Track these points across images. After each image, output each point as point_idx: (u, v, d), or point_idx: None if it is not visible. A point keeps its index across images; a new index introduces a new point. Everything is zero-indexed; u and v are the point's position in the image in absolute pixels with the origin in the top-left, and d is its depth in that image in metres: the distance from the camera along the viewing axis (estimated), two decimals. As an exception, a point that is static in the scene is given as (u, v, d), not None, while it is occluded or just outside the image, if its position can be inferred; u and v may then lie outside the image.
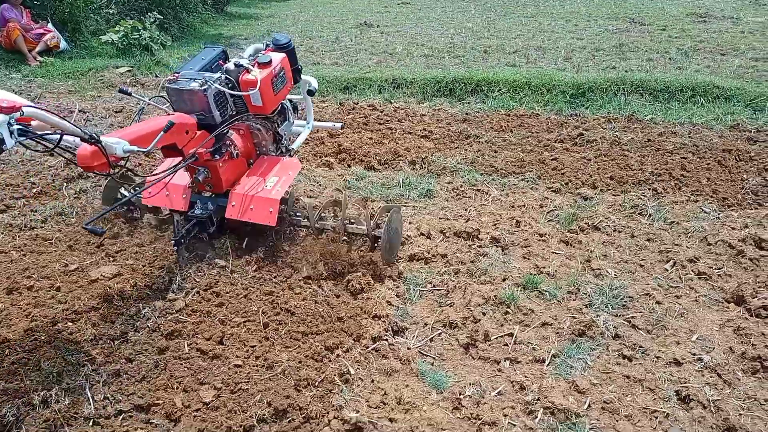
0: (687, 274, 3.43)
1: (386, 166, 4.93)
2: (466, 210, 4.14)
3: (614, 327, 2.95)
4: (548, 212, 4.12)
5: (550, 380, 2.62)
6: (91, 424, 2.33)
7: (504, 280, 3.32)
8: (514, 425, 2.39)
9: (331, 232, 3.45)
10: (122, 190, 3.75)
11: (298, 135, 4.05)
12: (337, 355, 2.74)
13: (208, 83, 3.07)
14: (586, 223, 3.93)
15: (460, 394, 2.54)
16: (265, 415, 2.37)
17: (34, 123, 2.26)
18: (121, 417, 2.37)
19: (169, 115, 2.97)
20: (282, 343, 2.79)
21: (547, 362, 2.75)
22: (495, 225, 3.92)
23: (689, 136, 5.43)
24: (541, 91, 6.49)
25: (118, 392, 2.48)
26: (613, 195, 4.40)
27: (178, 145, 2.96)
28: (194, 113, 3.12)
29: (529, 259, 3.55)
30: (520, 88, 6.58)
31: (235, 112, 3.37)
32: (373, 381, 2.63)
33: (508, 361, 2.77)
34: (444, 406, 2.49)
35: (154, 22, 9.10)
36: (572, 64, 7.99)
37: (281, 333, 2.86)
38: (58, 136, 2.28)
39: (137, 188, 3.64)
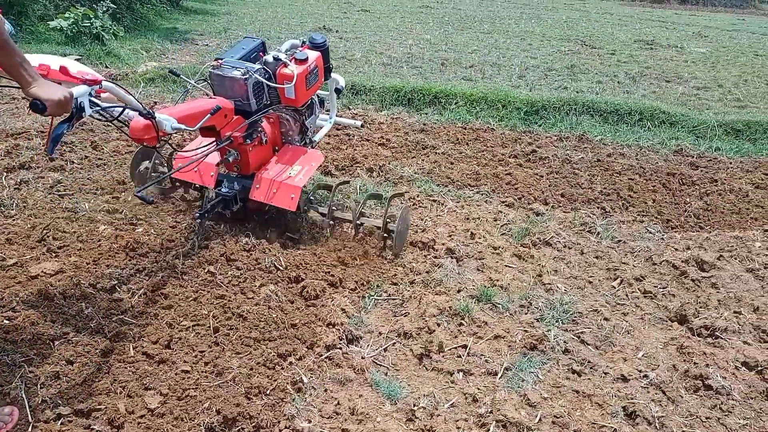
0: (633, 292, 3.53)
1: (343, 172, 4.90)
2: (422, 220, 4.15)
3: (564, 342, 3.01)
4: (502, 225, 4.18)
5: (502, 393, 2.64)
6: (29, 428, 2.19)
7: (459, 291, 3.33)
8: (467, 438, 2.39)
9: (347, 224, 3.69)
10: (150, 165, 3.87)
11: (321, 128, 4.25)
12: (290, 363, 2.68)
13: (249, 73, 3.29)
14: (538, 238, 4.00)
15: (414, 406, 2.52)
16: (213, 423, 2.29)
17: (104, 95, 2.46)
18: (59, 422, 2.24)
19: (212, 98, 3.20)
20: (233, 349, 2.71)
21: (499, 375, 2.77)
22: (450, 236, 3.94)
23: (636, 158, 5.63)
24: (496, 107, 6.60)
25: (58, 396, 2.35)
26: (564, 212, 4.50)
27: (217, 127, 3.19)
28: (233, 99, 3.33)
29: (483, 271, 3.58)
30: (477, 103, 6.67)
31: (269, 102, 3.58)
32: (326, 390, 2.58)
33: (461, 373, 2.77)
34: (398, 418, 2.47)
35: (107, 11, 8.82)
36: (526, 81, 8.17)
37: (232, 338, 2.78)
38: (120, 109, 2.51)
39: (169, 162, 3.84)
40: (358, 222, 3.64)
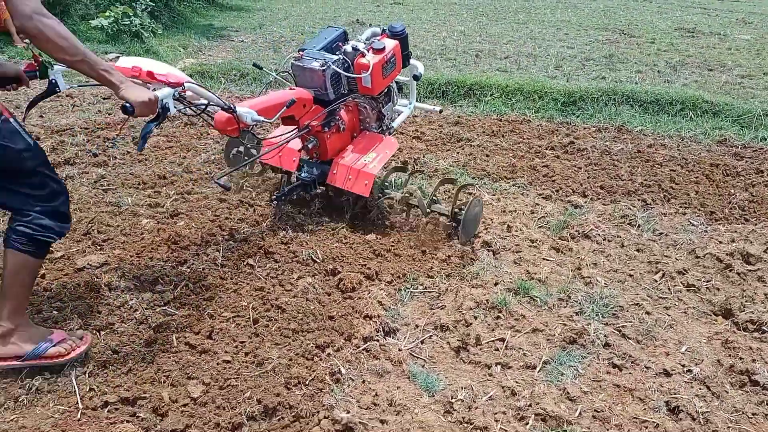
0: (676, 285, 3.45)
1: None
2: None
3: (605, 336, 2.96)
4: (539, 218, 4.13)
5: (541, 387, 2.61)
6: (78, 414, 2.26)
7: (496, 284, 3.31)
8: (506, 431, 2.38)
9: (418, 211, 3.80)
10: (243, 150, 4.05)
11: (400, 114, 4.33)
12: (328, 354, 2.70)
13: (328, 64, 3.44)
14: (576, 231, 3.95)
15: (451, 398, 2.52)
16: (254, 412, 2.33)
17: (187, 94, 2.66)
18: (107, 409, 2.31)
19: (290, 90, 3.41)
20: (272, 340, 2.75)
21: (538, 368, 2.74)
22: (486, 229, 3.91)
23: (678, 149, 5.49)
24: (532, 98, 6.52)
25: (104, 384, 2.42)
26: (603, 204, 4.42)
27: (296, 116, 3.41)
28: (312, 89, 3.52)
29: (520, 264, 3.55)
30: (512, 94, 6.60)
31: (347, 91, 3.72)
32: (364, 381, 2.60)
33: (499, 366, 2.75)
34: (435, 410, 2.47)
35: (145, 9, 8.99)
36: (562, 72, 8.04)
37: (271, 329, 2.82)
38: (205, 105, 2.74)
39: (256, 149, 4.02)
40: (428, 210, 3.74)
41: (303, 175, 3.75)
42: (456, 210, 3.66)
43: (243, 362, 2.60)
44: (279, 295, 3.04)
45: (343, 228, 3.74)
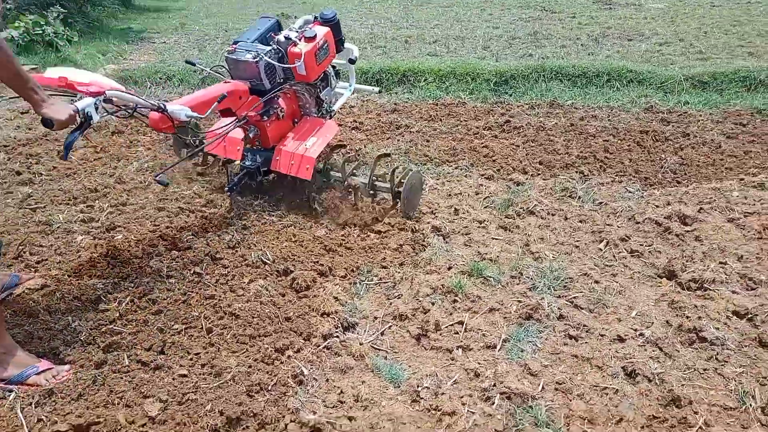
0: (620, 252, 3.56)
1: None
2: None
3: (558, 308, 3.02)
4: (484, 199, 4.17)
5: (503, 365, 2.64)
6: (26, 451, 2.14)
7: (449, 268, 3.32)
8: (473, 413, 2.39)
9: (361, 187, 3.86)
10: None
11: (340, 97, 4.41)
12: (289, 357, 2.65)
13: (260, 56, 3.48)
14: (521, 208, 4.01)
15: (417, 386, 2.51)
16: (217, 424, 2.25)
17: (115, 99, 2.72)
18: (59, 441, 2.19)
19: (225, 83, 3.48)
20: (228, 349, 2.67)
21: (498, 347, 2.77)
22: (434, 213, 3.92)
23: (608, 119, 5.66)
24: (465, 80, 6.57)
25: (53, 413, 2.29)
26: (544, 179, 4.51)
27: (233, 109, 3.49)
28: (248, 80, 3.57)
29: (470, 246, 3.58)
30: (446, 78, 6.64)
31: (283, 79, 3.77)
32: (328, 380, 2.56)
33: (460, 349, 2.77)
34: (402, 400, 2.46)
35: (58, 17, 8.51)
36: (491, 52, 8.14)
37: (226, 338, 2.73)
38: (133, 108, 2.84)
39: (200, 142, 4.04)
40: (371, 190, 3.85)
41: (247, 163, 3.81)
42: (396, 187, 3.75)
43: (200, 374, 2.52)
44: (231, 301, 2.95)
45: (291, 226, 3.67)
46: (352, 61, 4.23)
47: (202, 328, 2.78)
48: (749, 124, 5.40)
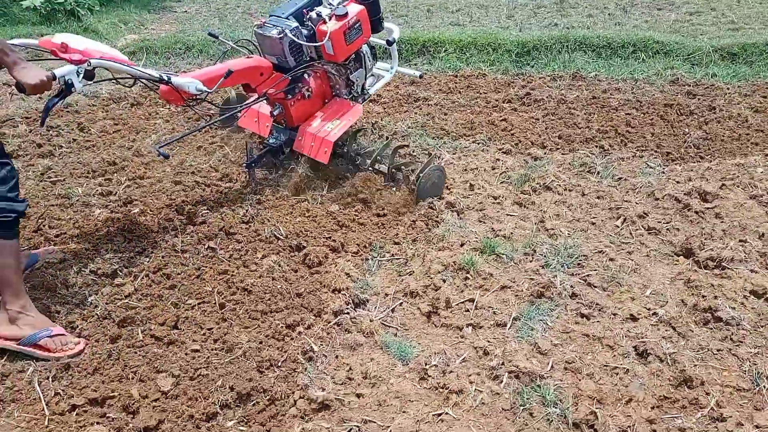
0: (637, 229, 3.50)
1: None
2: (419, 175, 4.09)
3: (571, 286, 2.99)
4: (500, 174, 4.12)
5: (512, 344, 2.64)
6: (45, 421, 2.20)
7: (462, 245, 3.31)
8: (481, 392, 2.40)
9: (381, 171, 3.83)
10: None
11: (381, 78, 4.33)
12: (299, 333, 2.68)
13: (284, 32, 3.45)
14: (537, 184, 3.95)
15: (425, 364, 2.53)
16: (228, 400, 2.30)
17: (106, 68, 2.76)
18: (75, 413, 2.25)
19: (248, 58, 3.49)
20: (240, 324, 2.71)
21: (508, 326, 2.77)
22: (449, 189, 3.89)
23: (632, 92, 5.51)
24: (486, 51, 6.44)
25: (70, 386, 2.35)
26: (562, 154, 4.43)
27: (252, 84, 3.49)
28: (274, 56, 3.58)
29: (484, 222, 3.55)
30: (466, 48, 6.51)
31: (310, 58, 3.73)
32: (337, 357, 2.59)
33: (470, 327, 2.77)
34: (410, 378, 2.48)
35: (79, -15, 8.51)
36: (515, 21, 7.95)
37: (239, 313, 2.77)
38: (134, 79, 2.90)
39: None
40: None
41: (270, 140, 3.82)
42: (414, 179, 3.66)
43: (212, 350, 2.56)
44: (244, 276, 2.98)
45: (305, 201, 3.68)
46: (389, 43, 4.09)
47: (215, 303, 2.82)
48: (779, 97, 5.23)
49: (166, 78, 2.93)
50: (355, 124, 4.07)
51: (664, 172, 4.14)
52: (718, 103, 5.14)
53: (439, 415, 2.31)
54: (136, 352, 2.53)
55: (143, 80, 2.92)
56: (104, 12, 9.03)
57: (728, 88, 5.48)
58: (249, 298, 2.85)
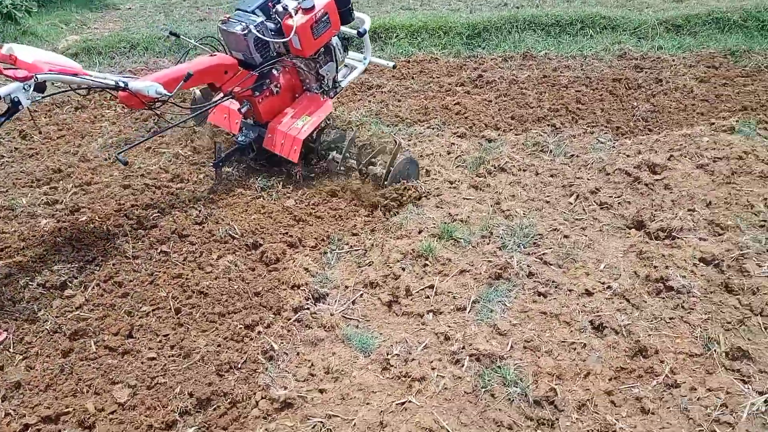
0: (590, 205, 3.55)
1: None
2: (374, 164, 4.07)
3: (528, 266, 3.03)
4: (456, 158, 4.13)
5: (472, 327, 2.66)
6: (-5, 445, 2.14)
7: (420, 232, 3.31)
8: (443, 377, 2.41)
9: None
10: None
11: (354, 70, 4.27)
12: (259, 333, 2.65)
13: (248, 28, 3.36)
14: (492, 166, 3.97)
15: (387, 354, 2.53)
16: (187, 407, 2.27)
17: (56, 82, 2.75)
18: (28, 432, 2.19)
19: (211, 57, 3.37)
20: (198, 328, 2.67)
21: (468, 309, 2.78)
22: (405, 176, 3.88)
23: (581, 69, 5.57)
24: (438, 34, 6.42)
25: (21, 405, 2.28)
26: (516, 134, 4.46)
27: (217, 83, 3.39)
28: (239, 53, 3.50)
29: (441, 207, 3.56)
30: (417, 33, 6.48)
31: (276, 53, 3.65)
32: (298, 354, 2.57)
33: (431, 314, 2.78)
34: (373, 369, 2.48)
35: (14, -13, 8.18)
36: (465, 3, 7.94)
37: (195, 317, 2.73)
38: (87, 88, 2.88)
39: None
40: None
41: (240, 138, 3.74)
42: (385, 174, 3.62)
43: (169, 357, 2.52)
44: (199, 279, 2.93)
45: (259, 197, 3.63)
46: (360, 34, 4.00)
47: (170, 308, 2.77)
48: (721, 67, 5.35)
49: (122, 84, 2.86)
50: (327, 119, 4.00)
51: (614, 147, 4.20)
52: (664, 75, 5.24)
53: (403, 404, 2.32)
54: (89, 365, 2.47)
55: (99, 89, 2.87)
56: (43, 13, 8.71)
57: (674, 60, 5.59)
58: (205, 301, 2.81)
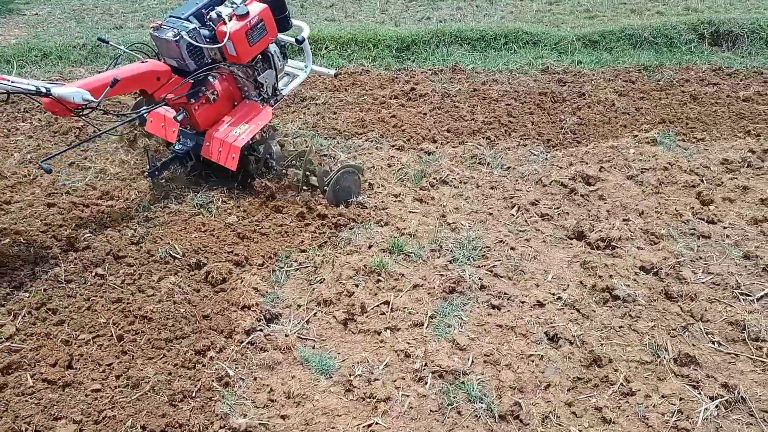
0: (531, 216, 3.65)
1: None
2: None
3: (479, 278, 3.07)
4: (397, 171, 4.13)
5: (432, 343, 2.65)
6: None
7: (370, 247, 3.28)
8: (408, 396, 2.39)
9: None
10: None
11: (295, 78, 4.21)
12: (211, 358, 2.52)
13: (180, 35, 3.27)
14: (434, 179, 4.01)
15: (349, 375, 2.48)
16: (141, 441, 2.12)
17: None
18: (-41, 484, 1.97)
19: (142, 63, 3.26)
20: (144, 356, 2.50)
21: (425, 325, 2.78)
22: (348, 190, 3.84)
23: (509, 83, 5.74)
24: (367, 47, 6.43)
25: (-51, 453, 2.06)
26: (453, 147, 4.52)
27: (148, 91, 3.27)
28: (172, 59, 3.39)
29: (388, 222, 3.54)
30: (347, 45, 6.47)
31: (211, 60, 3.55)
32: (255, 379, 2.46)
33: (388, 331, 2.75)
34: (336, 391, 2.42)
35: None
36: (389, 15, 8.02)
37: (141, 344, 2.56)
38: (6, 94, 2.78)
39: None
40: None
41: (177, 147, 3.65)
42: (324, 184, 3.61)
43: (116, 388, 2.35)
44: (141, 303, 2.75)
45: (198, 215, 3.47)
46: (298, 42, 3.96)
47: (112, 335, 2.58)
48: (638, 81, 5.68)
49: (44, 90, 2.71)
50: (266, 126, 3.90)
51: (547, 159, 4.35)
52: (586, 89, 5.50)
53: (370, 426, 2.27)
54: (27, 400, 2.25)
55: (19, 95, 2.73)
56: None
57: (593, 75, 5.87)
58: (150, 326, 2.64)
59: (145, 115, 3.74)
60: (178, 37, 3.27)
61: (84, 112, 2.98)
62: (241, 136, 3.54)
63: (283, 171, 3.76)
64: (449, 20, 7.58)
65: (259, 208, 3.57)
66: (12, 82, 2.70)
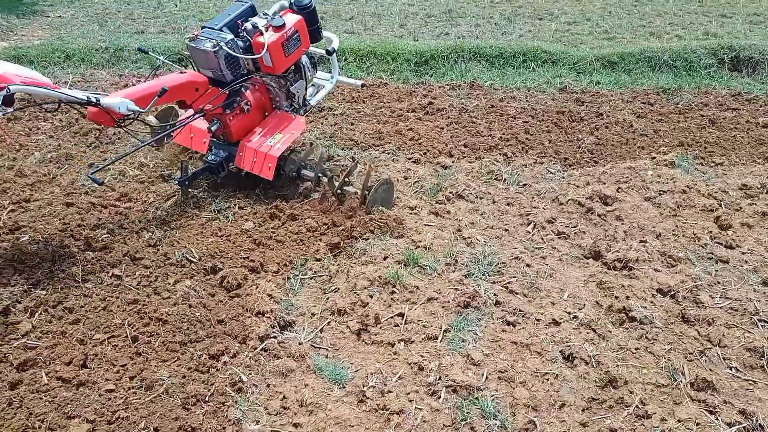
0: (547, 234, 3.64)
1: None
2: (332, 188, 4.01)
3: (494, 294, 3.05)
4: (413, 183, 4.14)
5: (446, 357, 2.63)
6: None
7: (385, 258, 3.27)
8: (421, 409, 2.37)
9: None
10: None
11: (321, 89, 4.25)
12: (225, 363, 2.52)
13: (219, 45, 3.31)
14: (450, 193, 4.00)
15: (363, 386, 2.46)
16: (153, 444, 2.11)
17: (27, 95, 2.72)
18: (-28, 478, 1.97)
19: (181, 73, 3.28)
20: (158, 358, 2.50)
21: (440, 338, 2.76)
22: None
23: (527, 100, 5.75)
24: (386, 60, 6.47)
25: (-37, 448, 2.06)
26: (469, 162, 4.53)
27: (187, 101, 3.32)
28: (209, 70, 3.43)
29: (404, 234, 3.53)
30: (366, 57, 6.51)
31: (247, 71, 3.61)
32: (269, 385, 2.46)
33: (402, 343, 2.74)
34: (349, 402, 2.41)
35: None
36: (408, 30, 8.08)
37: (155, 346, 2.56)
38: (57, 103, 2.74)
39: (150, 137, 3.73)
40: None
41: (209, 157, 3.66)
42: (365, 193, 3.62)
43: (129, 389, 2.35)
44: (157, 305, 2.76)
45: (215, 219, 3.49)
46: (329, 53, 4.04)
47: (127, 336, 2.59)
48: (656, 104, 5.67)
49: (94, 100, 2.75)
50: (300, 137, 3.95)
51: (564, 177, 4.34)
52: (604, 109, 5.49)
53: (382, 437, 2.25)
54: (41, 398, 2.26)
55: (70, 104, 2.76)
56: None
57: (612, 95, 5.87)
58: (165, 329, 2.64)
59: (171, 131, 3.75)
60: (217, 48, 3.32)
61: (126, 123, 3.01)
62: (277, 145, 3.59)
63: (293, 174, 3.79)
64: (468, 37, 7.62)
65: (274, 215, 3.58)
66: (65, 92, 2.73)
